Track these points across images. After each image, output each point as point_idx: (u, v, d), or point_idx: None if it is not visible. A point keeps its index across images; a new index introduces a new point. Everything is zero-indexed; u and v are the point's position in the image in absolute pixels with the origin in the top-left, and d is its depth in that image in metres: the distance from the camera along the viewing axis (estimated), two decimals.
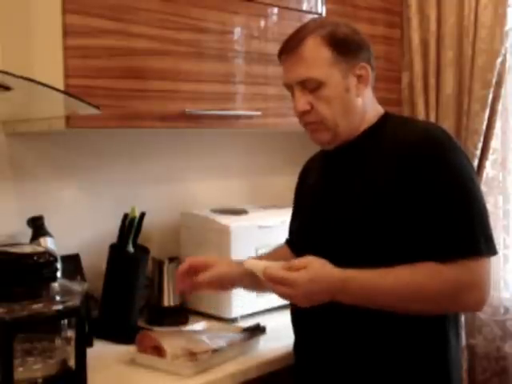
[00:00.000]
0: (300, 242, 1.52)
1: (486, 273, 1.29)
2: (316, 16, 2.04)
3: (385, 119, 1.45)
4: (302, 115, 1.41)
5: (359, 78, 1.39)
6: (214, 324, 1.85)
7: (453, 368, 1.38)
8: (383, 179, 1.33)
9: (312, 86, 1.37)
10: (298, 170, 1.69)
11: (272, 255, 1.61)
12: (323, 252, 1.32)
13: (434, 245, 1.28)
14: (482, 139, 2.33)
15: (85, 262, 1.84)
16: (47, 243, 1.66)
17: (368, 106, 1.43)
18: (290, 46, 1.40)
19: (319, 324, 1.39)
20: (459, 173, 1.31)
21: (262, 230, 1.98)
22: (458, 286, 1.27)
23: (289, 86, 1.42)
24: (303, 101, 1.38)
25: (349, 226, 1.36)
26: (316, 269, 1.27)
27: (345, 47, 1.38)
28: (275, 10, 1.94)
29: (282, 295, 1.29)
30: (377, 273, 1.28)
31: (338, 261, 1.29)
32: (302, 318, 1.46)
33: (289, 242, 1.63)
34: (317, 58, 1.36)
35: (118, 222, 1.83)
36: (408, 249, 1.29)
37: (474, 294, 1.28)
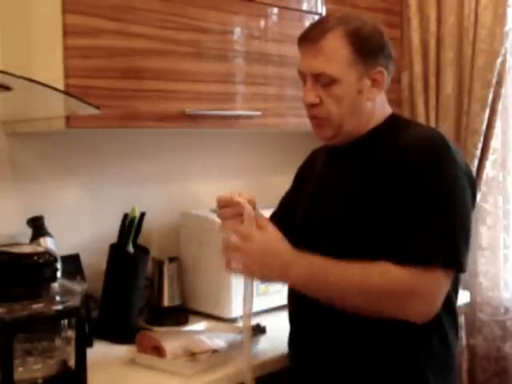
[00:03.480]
0: (298, 233, 1.51)
1: (439, 286, 1.27)
2: (316, 16, 2.04)
3: (390, 121, 1.44)
4: (309, 107, 1.41)
5: (374, 81, 1.38)
6: (214, 324, 1.85)
7: (451, 369, 1.39)
8: (378, 181, 1.33)
9: (325, 81, 1.36)
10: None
11: None
12: (318, 245, 1.35)
13: (398, 246, 1.27)
14: (481, 139, 2.33)
15: (85, 262, 1.84)
16: (47, 243, 1.66)
17: (377, 108, 1.42)
18: (312, 36, 1.38)
19: (315, 317, 1.40)
20: (447, 184, 1.29)
21: None
22: (404, 290, 1.25)
23: (302, 74, 1.41)
24: (313, 94, 1.38)
25: (337, 221, 1.38)
26: (275, 234, 1.32)
27: (366, 48, 1.36)
28: (275, 10, 1.94)
29: (235, 247, 1.33)
30: (331, 260, 1.29)
31: (329, 253, 1.31)
32: (299, 310, 1.47)
33: (275, 214, 1.64)
34: (336, 54, 1.35)
35: (118, 222, 1.83)
36: (381, 249, 1.29)
37: (419, 305, 1.26)
